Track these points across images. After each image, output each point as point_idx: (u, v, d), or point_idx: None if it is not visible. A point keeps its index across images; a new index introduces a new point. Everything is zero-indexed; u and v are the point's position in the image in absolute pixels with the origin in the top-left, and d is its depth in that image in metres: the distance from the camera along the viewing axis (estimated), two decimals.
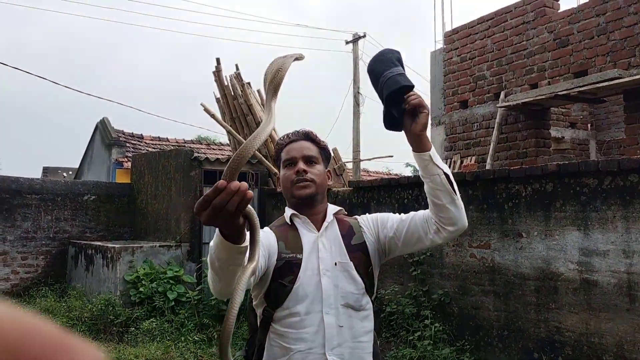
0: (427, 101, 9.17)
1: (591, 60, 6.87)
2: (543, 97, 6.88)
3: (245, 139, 7.34)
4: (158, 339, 6.30)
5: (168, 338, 6.33)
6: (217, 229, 1.20)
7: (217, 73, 8.85)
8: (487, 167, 7.48)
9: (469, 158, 8.30)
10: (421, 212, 1.70)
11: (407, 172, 26.01)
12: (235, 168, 1.10)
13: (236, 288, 1.19)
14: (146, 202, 9.37)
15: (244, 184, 1.08)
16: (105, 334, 6.78)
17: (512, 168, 4.72)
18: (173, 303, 7.16)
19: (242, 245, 1.20)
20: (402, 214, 1.74)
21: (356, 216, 1.82)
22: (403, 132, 1.58)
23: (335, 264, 1.64)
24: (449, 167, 8.30)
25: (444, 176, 1.58)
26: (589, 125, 10.21)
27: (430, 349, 4.67)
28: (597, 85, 6.22)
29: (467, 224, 1.66)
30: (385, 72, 1.47)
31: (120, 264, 7.47)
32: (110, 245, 7.92)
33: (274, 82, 1.28)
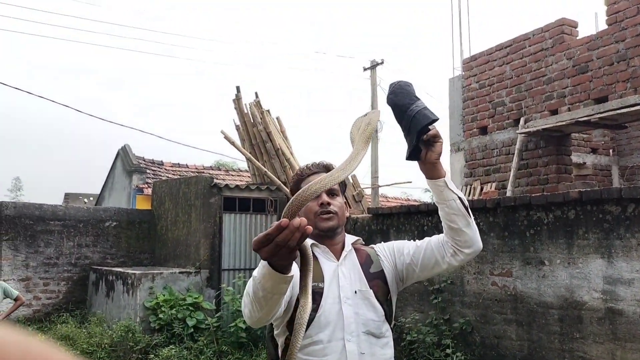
0: (446, 127, 9.19)
1: (611, 87, 6.84)
2: (563, 123, 6.85)
3: (264, 166, 7.35)
4: None
5: None
6: (261, 260, 1.25)
7: (237, 100, 8.99)
8: (508, 193, 7.42)
9: (489, 185, 8.25)
10: (436, 237, 1.74)
11: (426, 198, 25.89)
12: (298, 207, 1.18)
13: (300, 326, 1.31)
14: (166, 229, 9.45)
15: (304, 220, 1.14)
16: None
17: (533, 195, 4.69)
18: (192, 330, 7.17)
19: (289, 275, 1.27)
20: (418, 240, 1.79)
21: (372, 245, 1.87)
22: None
23: (356, 292, 1.68)
24: (468, 193, 8.25)
25: (459, 201, 1.62)
26: (610, 150, 10.10)
27: None
28: (618, 111, 6.18)
29: (481, 245, 1.70)
30: (411, 105, 1.51)
31: (140, 290, 7.52)
32: (130, 271, 7.98)
33: (366, 133, 1.38)
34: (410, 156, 1.57)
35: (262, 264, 1.27)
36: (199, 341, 6.97)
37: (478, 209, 4.99)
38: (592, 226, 4.06)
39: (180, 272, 8.06)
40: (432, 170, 1.59)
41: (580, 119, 6.48)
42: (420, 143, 1.53)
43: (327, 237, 1.74)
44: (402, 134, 1.57)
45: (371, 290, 1.70)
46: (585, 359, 4.03)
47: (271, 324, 1.77)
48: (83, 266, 9.14)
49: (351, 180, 7.99)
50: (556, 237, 4.31)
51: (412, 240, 1.81)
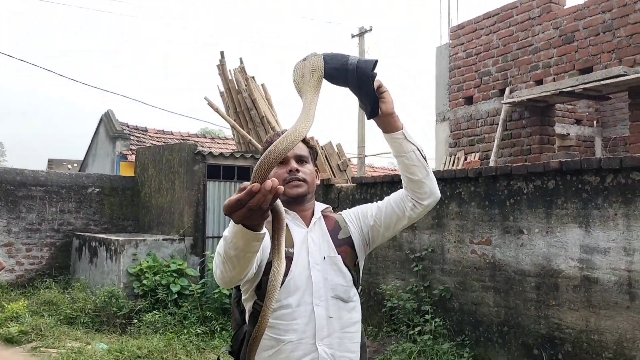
0: (432, 97, 9.15)
1: (596, 57, 6.84)
2: (548, 93, 6.85)
3: (249, 133, 7.30)
4: (161, 331, 6.34)
5: (171, 330, 6.37)
6: (231, 220, 1.24)
7: (221, 67, 8.86)
8: (491, 163, 7.46)
9: (473, 155, 8.29)
10: (394, 194, 1.76)
11: None
12: (267, 170, 1.15)
13: (273, 288, 1.31)
14: (150, 196, 9.41)
15: (275, 181, 1.13)
16: (108, 325, 6.83)
17: (514, 165, 4.72)
18: (176, 296, 7.20)
19: (261, 232, 1.26)
20: (379, 202, 1.80)
21: (340, 212, 1.88)
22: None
23: (325, 258, 1.70)
24: (452, 163, 8.29)
25: (418, 152, 1.61)
26: (594, 121, 10.16)
27: (430, 343, 4.68)
28: (602, 82, 6.19)
29: (439, 195, 1.71)
30: (348, 60, 1.44)
31: (123, 257, 7.51)
32: (114, 237, 7.96)
33: (313, 81, 1.31)
34: (372, 112, 1.51)
35: (232, 223, 1.26)
36: (182, 307, 7.01)
37: (460, 178, 5.01)
38: (571, 196, 4.11)
39: (164, 239, 8.05)
40: (389, 124, 1.57)
41: (564, 90, 6.49)
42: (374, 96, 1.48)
43: (297, 203, 1.74)
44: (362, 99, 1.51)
45: (339, 256, 1.71)
46: (560, 325, 4.13)
47: (237, 289, 1.78)
48: (66, 232, 9.10)
49: (336, 150, 7.97)
50: (535, 206, 4.36)
51: (375, 203, 1.82)
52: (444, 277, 5.12)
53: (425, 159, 1.64)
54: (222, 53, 8.90)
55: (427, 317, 4.96)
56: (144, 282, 7.29)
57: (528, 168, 4.43)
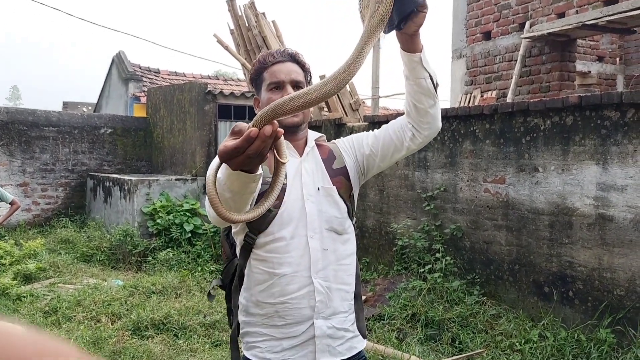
0: (449, 32, 8.82)
1: None
2: (570, 26, 6.55)
3: None
4: (175, 268, 6.46)
5: (185, 268, 6.48)
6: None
7: (231, 3, 8.58)
8: (508, 101, 7.25)
9: (490, 92, 8.06)
10: (392, 122, 1.65)
11: None
12: (270, 119, 1.03)
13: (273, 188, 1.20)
14: (162, 136, 9.38)
15: (275, 124, 1.02)
16: (123, 263, 6.97)
17: (531, 100, 4.55)
18: (190, 235, 7.29)
19: (258, 173, 1.17)
20: (376, 130, 1.70)
21: (334, 140, 1.78)
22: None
23: (319, 188, 1.62)
24: (468, 102, 8.08)
25: (429, 80, 1.48)
26: (617, 59, 9.77)
27: (440, 281, 4.69)
28: (628, 14, 5.88)
29: (440, 126, 1.60)
30: None
31: (137, 197, 7.57)
32: (127, 177, 8.00)
33: (376, 17, 1.07)
34: (397, 24, 1.28)
35: (225, 166, 1.16)
36: (196, 245, 7.10)
37: (475, 115, 4.87)
38: (589, 132, 3.97)
39: (176, 179, 8.08)
40: (409, 42, 1.40)
41: (587, 22, 6.19)
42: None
43: (290, 132, 1.63)
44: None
45: (334, 187, 1.63)
46: (572, 263, 4.08)
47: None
48: (80, 172, 9.17)
49: (348, 88, 7.79)
50: (552, 143, 4.23)
51: (372, 131, 1.71)
52: (455, 216, 5.06)
53: (436, 87, 1.51)
54: None
55: (438, 255, 4.95)
56: (158, 221, 7.37)
57: (546, 104, 4.27)
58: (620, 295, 3.76)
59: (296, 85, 1.62)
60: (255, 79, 1.68)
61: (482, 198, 4.81)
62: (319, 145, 1.72)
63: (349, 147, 1.73)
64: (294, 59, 1.66)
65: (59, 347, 0.34)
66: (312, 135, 1.73)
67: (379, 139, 1.66)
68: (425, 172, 5.38)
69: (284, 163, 1.15)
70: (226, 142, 1.06)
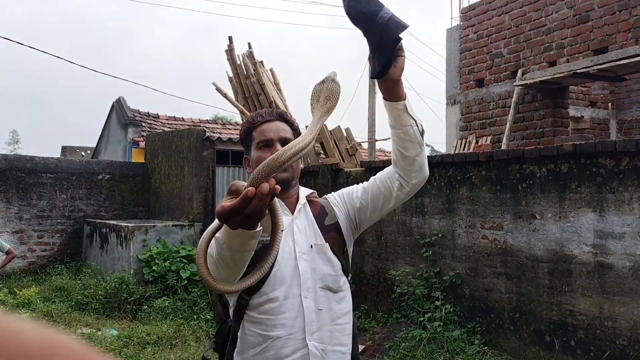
0: (443, 79, 8.98)
1: (612, 37, 6.66)
2: (561, 75, 6.69)
3: None
4: (171, 317, 6.35)
5: (180, 316, 6.38)
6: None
7: (230, 52, 8.76)
8: (503, 147, 7.33)
9: (484, 138, 8.15)
10: (380, 173, 1.64)
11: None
12: (265, 177, 1.09)
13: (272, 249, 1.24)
14: (160, 182, 9.40)
15: (272, 182, 1.06)
16: (118, 311, 6.86)
17: (526, 148, 4.61)
18: (186, 282, 7.21)
19: (258, 230, 1.18)
20: (364, 182, 1.70)
21: (326, 195, 1.77)
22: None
23: (312, 246, 1.60)
24: (463, 147, 8.17)
25: (416, 127, 1.48)
26: (609, 104, 9.94)
27: (440, 330, 4.63)
28: (618, 62, 6.02)
29: (428, 174, 1.60)
30: (380, 12, 1.31)
31: (133, 243, 7.53)
32: (124, 224, 7.97)
33: (326, 107, 1.35)
34: (380, 73, 1.37)
35: (224, 226, 1.17)
36: (192, 293, 7.02)
37: (471, 162, 4.92)
38: (585, 180, 4.00)
39: (173, 225, 8.06)
40: (393, 90, 1.42)
41: (578, 71, 6.33)
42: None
43: (281, 189, 1.63)
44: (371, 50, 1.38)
45: (327, 244, 1.61)
46: (573, 311, 4.05)
47: None
48: (77, 219, 9.14)
49: (345, 134, 7.88)
50: (548, 190, 4.26)
51: (361, 184, 1.71)
52: (454, 262, 5.04)
53: (422, 134, 1.52)
54: (230, 38, 8.79)
55: (438, 303, 4.90)
56: (154, 268, 7.31)
57: (541, 151, 4.32)
58: (622, 344, 3.71)
59: (285, 143, 1.61)
60: (245, 138, 1.69)
61: (481, 244, 4.80)
62: (310, 202, 1.71)
63: (340, 202, 1.72)
64: (282, 117, 1.68)
65: (70, 344, 0.34)
66: (304, 192, 1.72)
67: (368, 191, 1.65)
68: (422, 217, 5.39)
69: (282, 230, 1.21)
70: (224, 202, 1.07)
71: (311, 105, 1.38)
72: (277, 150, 1.55)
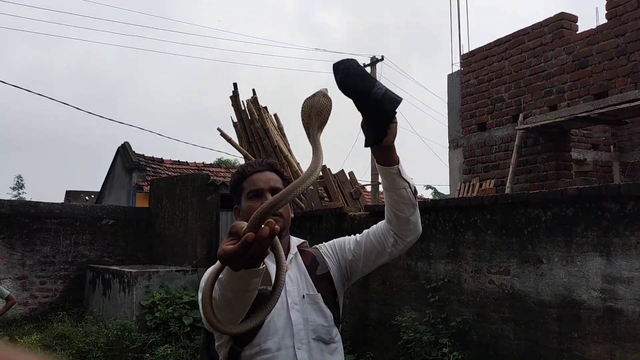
0: (445, 124, 9.10)
1: (611, 82, 6.76)
2: (562, 119, 6.77)
3: None
4: None
5: None
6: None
7: (234, 98, 8.91)
8: (507, 190, 7.34)
9: (488, 181, 8.17)
10: (374, 227, 1.65)
11: (428, 194, 25.81)
12: (265, 217, 1.09)
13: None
14: (163, 227, 9.40)
15: (272, 222, 1.07)
16: (121, 359, 6.74)
17: (531, 192, 4.61)
18: (189, 328, 7.11)
19: (261, 267, 1.17)
20: (357, 235, 1.70)
21: (317, 245, 1.77)
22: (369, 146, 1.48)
23: (304, 296, 1.59)
24: (467, 191, 8.18)
25: (409, 189, 1.51)
26: (611, 146, 10.01)
27: None
28: (618, 107, 6.10)
29: (421, 231, 1.62)
30: (373, 88, 1.34)
31: (136, 289, 7.47)
32: (127, 269, 7.93)
33: (317, 124, 1.32)
34: (374, 143, 1.41)
35: (226, 267, 1.17)
36: (195, 340, 6.91)
37: (475, 206, 4.92)
38: (590, 224, 3.99)
39: (177, 270, 8.00)
40: (386, 156, 1.45)
41: (579, 115, 6.40)
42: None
43: None
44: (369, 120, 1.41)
45: (319, 294, 1.60)
46: (583, 358, 3.96)
47: (208, 334, 1.65)
48: (80, 264, 9.09)
49: (348, 177, 7.92)
50: (554, 234, 4.24)
51: (353, 236, 1.71)
52: (461, 308, 4.97)
53: (415, 195, 1.54)
54: (235, 85, 8.97)
55: (445, 350, 4.81)
56: (157, 314, 7.22)
57: (545, 195, 4.33)
58: None
59: (275, 193, 1.59)
60: (235, 188, 1.70)
61: (488, 289, 4.75)
62: (301, 251, 1.70)
63: (331, 253, 1.71)
64: (272, 168, 1.70)
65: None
66: (295, 241, 1.71)
67: (361, 244, 1.65)
68: (428, 262, 5.35)
69: (286, 270, 1.21)
70: (225, 246, 1.08)
71: (302, 120, 1.36)
72: (266, 199, 1.56)
